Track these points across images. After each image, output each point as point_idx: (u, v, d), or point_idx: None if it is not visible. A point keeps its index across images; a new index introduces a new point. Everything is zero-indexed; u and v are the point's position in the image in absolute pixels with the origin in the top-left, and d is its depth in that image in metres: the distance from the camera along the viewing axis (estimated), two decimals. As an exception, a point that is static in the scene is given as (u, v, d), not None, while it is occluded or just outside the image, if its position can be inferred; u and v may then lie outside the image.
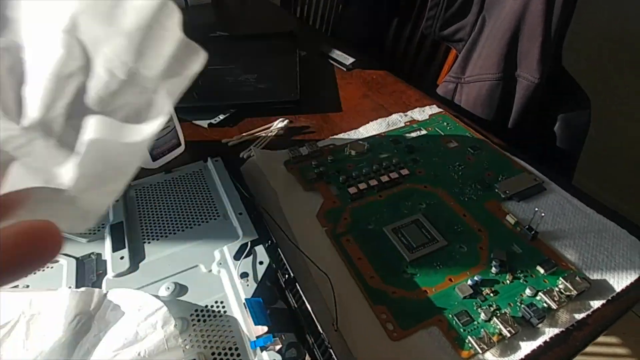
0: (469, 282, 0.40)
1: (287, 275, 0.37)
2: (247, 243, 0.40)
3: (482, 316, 0.37)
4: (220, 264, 0.38)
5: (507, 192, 0.50)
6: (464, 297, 0.38)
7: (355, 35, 1.06)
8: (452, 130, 0.61)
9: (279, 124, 0.65)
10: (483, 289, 0.39)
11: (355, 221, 0.47)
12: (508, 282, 0.40)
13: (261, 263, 0.38)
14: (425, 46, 0.98)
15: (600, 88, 1.12)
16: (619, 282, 0.40)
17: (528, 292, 0.39)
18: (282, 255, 0.38)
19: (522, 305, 0.38)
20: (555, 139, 0.70)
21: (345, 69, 0.82)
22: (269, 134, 0.63)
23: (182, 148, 0.59)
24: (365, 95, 0.73)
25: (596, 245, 0.44)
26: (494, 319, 0.36)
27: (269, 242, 0.40)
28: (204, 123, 0.67)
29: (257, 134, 0.64)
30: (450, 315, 0.37)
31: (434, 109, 0.67)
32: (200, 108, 0.68)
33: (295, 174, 0.54)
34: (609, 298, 0.39)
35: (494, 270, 0.41)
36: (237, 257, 0.38)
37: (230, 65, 0.79)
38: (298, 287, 0.35)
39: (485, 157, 0.56)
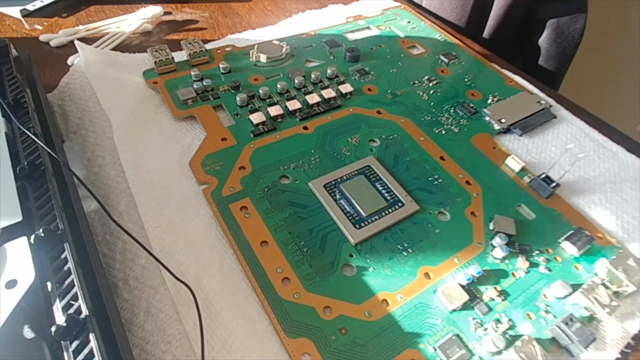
0: (460, 278, 0.22)
1: (75, 312, 0.16)
2: None
3: (487, 344, 0.20)
4: None
5: (503, 120, 0.32)
6: (453, 310, 0.21)
7: None
8: (416, 31, 0.41)
9: (143, 13, 0.39)
10: (482, 288, 0.22)
11: (259, 173, 0.26)
12: (522, 272, 0.23)
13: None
14: None
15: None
16: (680, 261, 0.25)
17: (556, 290, 0.22)
18: (71, 258, 0.16)
19: (552, 318, 0.21)
20: (539, 53, 0.53)
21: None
22: (126, 30, 0.38)
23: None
24: (289, -18, 0.49)
25: (637, 202, 0.28)
26: (509, 348, 0.20)
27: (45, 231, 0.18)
28: (13, 10, 0.39)
29: (104, 29, 0.38)
30: (430, 347, 0.20)
31: (388, 2, 0.46)
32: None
33: (161, 91, 0.31)
34: (675, 291, 0.24)
35: (497, 253, 0.23)
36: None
37: None
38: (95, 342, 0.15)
39: (465, 68, 0.37)
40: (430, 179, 0.27)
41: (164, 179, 0.25)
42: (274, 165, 0.27)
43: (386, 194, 0.26)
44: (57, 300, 0.14)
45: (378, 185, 0.26)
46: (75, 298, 0.14)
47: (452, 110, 0.32)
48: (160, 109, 0.31)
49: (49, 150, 0.20)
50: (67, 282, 0.14)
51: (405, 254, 0.23)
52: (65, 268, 0.15)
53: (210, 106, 0.31)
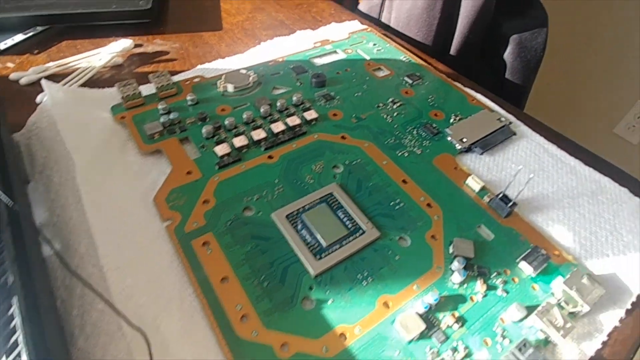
0: (418, 306, 0.22)
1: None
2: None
3: (443, 372, 0.20)
4: None
5: (464, 139, 0.33)
6: (411, 340, 0.21)
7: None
8: (382, 53, 0.42)
9: (114, 47, 0.40)
10: (440, 315, 0.22)
11: (223, 206, 0.27)
12: (480, 296, 0.23)
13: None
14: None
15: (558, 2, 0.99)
16: (633, 277, 0.26)
17: (512, 313, 0.23)
18: (19, 313, 0.17)
19: (508, 343, 0.22)
20: (505, 68, 0.55)
21: (232, -27, 0.57)
22: (96, 65, 0.39)
23: None
24: (259, 8, 0.50)
25: (593, 216, 0.29)
26: (464, 376, 0.20)
27: None
28: (-19, 47, 0.40)
29: (74, 64, 0.39)
30: (387, 378, 0.20)
31: (355, 25, 0.47)
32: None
33: (128, 126, 0.32)
34: (629, 306, 0.24)
35: (455, 278, 0.24)
36: None
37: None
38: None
39: (429, 89, 0.38)
40: (392, 203, 0.28)
41: (127, 218, 0.26)
42: (238, 197, 0.27)
43: (347, 222, 0.26)
44: (3, 358, 0.15)
45: (340, 213, 0.27)
46: (19, 356, 0.14)
47: (415, 132, 0.33)
48: (127, 145, 0.31)
49: (4, 197, 0.20)
50: (12, 339, 0.15)
51: (364, 283, 0.23)
52: (12, 325, 0.15)
53: (177, 139, 0.31)
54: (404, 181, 0.29)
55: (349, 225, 0.26)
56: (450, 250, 0.25)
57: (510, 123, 0.35)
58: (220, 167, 0.29)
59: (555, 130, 0.36)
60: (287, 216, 0.26)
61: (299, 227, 0.26)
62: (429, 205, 0.28)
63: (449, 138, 0.33)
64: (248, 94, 0.36)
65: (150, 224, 0.26)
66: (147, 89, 0.36)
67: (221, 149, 0.30)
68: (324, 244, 0.25)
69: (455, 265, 0.24)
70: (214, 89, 0.36)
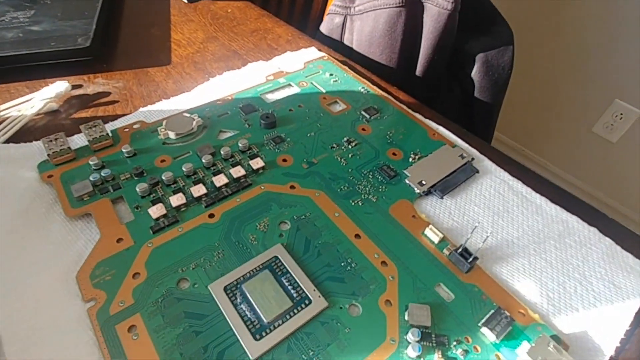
0: (368, 392, 0.20)
1: None
2: None
3: None
4: None
5: (423, 182, 0.30)
6: None
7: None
8: (339, 85, 0.40)
9: (48, 92, 0.37)
10: (394, 399, 0.20)
11: (155, 280, 0.24)
12: (437, 373, 0.21)
13: None
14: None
15: (522, 18, 0.99)
16: (605, 335, 0.24)
17: (473, 390, 0.20)
18: None
19: None
20: (474, 87, 0.53)
21: (186, 0, 0.54)
22: (28, 113, 0.36)
23: None
24: (212, 38, 0.48)
25: (561, 264, 0.27)
26: None
27: None
28: None
29: (3, 114, 0.36)
30: None
31: (312, 53, 0.45)
32: None
33: (55, 186, 0.29)
34: (600, 370, 0.22)
35: (410, 352, 0.21)
36: None
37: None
38: None
39: (387, 124, 0.36)
40: (342, 264, 0.25)
41: (44, 303, 0.23)
42: (173, 267, 0.25)
43: (292, 291, 0.24)
44: None
45: (284, 280, 0.24)
46: None
47: (370, 176, 0.31)
48: (53, 209, 0.28)
49: None
50: None
51: (309, 367, 0.21)
52: None
53: (109, 200, 0.28)
54: (357, 236, 0.27)
55: (294, 295, 0.24)
56: (406, 317, 0.23)
57: (473, 159, 0.33)
58: (154, 232, 0.26)
59: (520, 162, 0.34)
60: (225, 288, 0.24)
61: (238, 300, 0.23)
62: (383, 263, 0.26)
63: (407, 181, 0.31)
64: (191, 140, 0.33)
65: (71, 307, 0.23)
66: (80, 140, 0.33)
67: (156, 211, 0.27)
68: (265, 320, 0.22)
69: (410, 337, 0.22)
70: (155, 136, 0.33)
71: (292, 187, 0.30)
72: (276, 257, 0.25)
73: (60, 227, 0.27)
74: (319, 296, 0.23)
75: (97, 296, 0.23)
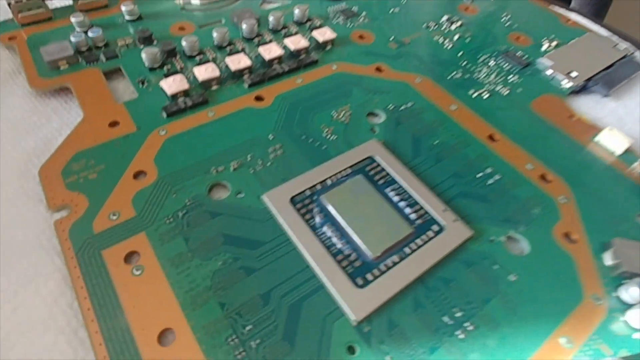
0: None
1: None
2: None
3: None
4: None
5: (574, 74, 0.20)
6: None
7: None
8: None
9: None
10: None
11: (171, 183, 0.14)
12: (690, 358, 0.12)
13: None
14: None
15: None
16: None
17: None
18: None
19: None
20: None
21: None
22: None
23: None
24: None
25: None
26: None
27: None
28: None
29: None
30: None
31: None
32: None
33: (19, 51, 0.19)
34: None
35: (634, 317, 0.12)
36: None
37: None
38: None
39: (499, 4, 0.25)
40: (479, 174, 0.16)
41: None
42: (200, 166, 0.15)
43: (407, 210, 0.14)
44: None
45: (390, 193, 0.14)
46: None
47: (492, 63, 0.21)
48: (15, 80, 0.18)
49: None
50: None
51: (461, 335, 0.11)
52: None
53: (99, 70, 0.18)
54: (491, 138, 0.17)
55: (412, 217, 0.14)
56: (608, 261, 0.13)
57: (632, 53, 0.22)
58: (170, 114, 0.16)
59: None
60: (292, 199, 0.14)
61: (317, 220, 0.13)
62: (543, 178, 0.16)
63: (548, 72, 0.20)
64: (222, 8, 0.23)
65: (30, 218, 0.13)
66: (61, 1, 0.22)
67: (173, 84, 0.17)
68: (369, 255, 0.13)
69: (631, 293, 0.12)
70: (170, 0, 0.23)
71: (379, 69, 0.20)
72: (371, 159, 0.15)
73: (22, 104, 0.17)
74: (455, 219, 0.14)
75: (73, 202, 0.13)
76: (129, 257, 0.12)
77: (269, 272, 0.12)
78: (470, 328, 0.12)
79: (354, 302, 0.11)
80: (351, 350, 0.11)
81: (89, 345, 0.11)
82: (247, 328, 0.11)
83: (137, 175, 0.14)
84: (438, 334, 0.11)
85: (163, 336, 0.11)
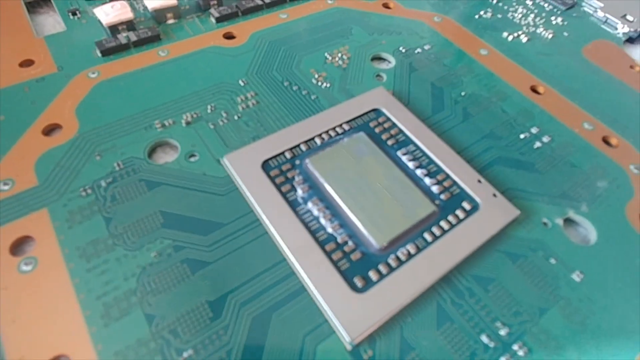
0: None
1: None
2: None
3: None
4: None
5: (629, 17, 0.16)
6: None
7: None
8: None
9: None
10: None
11: (96, 141, 0.10)
12: None
13: None
14: None
15: None
16: None
17: None
18: None
19: None
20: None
21: None
22: None
23: None
24: None
25: None
26: None
27: None
28: None
29: None
30: None
31: None
32: None
33: None
34: None
35: None
36: None
37: None
38: None
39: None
40: (522, 136, 0.12)
41: None
42: (140, 118, 0.11)
43: (428, 181, 0.10)
44: None
45: (403, 157, 0.10)
46: None
47: (528, 1, 0.16)
48: None
49: None
50: None
51: (519, 352, 0.08)
52: None
53: (19, -1, 0.14)
54: (533, 89, 0.13)
55: (434, 191, 0.10)
56: None
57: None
58: (105, 53, 0.12)
59: None
60: (264, 164, 0.10)
61: (300, 194, 0.09)
62: (606, 141, 0.12)
63: (598, 13, 0.16)
64: None
65: None
66: None
67: (111, 13, 0.13)
68: (373, 244, 0.09)
69: None
70: None
71: (387, 6, 0.15)
72: (378, 112, 0.11)
73: None
74: (495, 194, 0.10)
75: None
76: (17, 246, 0.08)
77: (225, 268, 0.08)
78: (521, 353, 0.08)
79: (349, 315, 0.08)
80: (345, 389, 0.07)
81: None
82: (185, 355, 0.07)
83: (49, 129, 0.10)
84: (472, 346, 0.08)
85: (55, 366, 0.07)
